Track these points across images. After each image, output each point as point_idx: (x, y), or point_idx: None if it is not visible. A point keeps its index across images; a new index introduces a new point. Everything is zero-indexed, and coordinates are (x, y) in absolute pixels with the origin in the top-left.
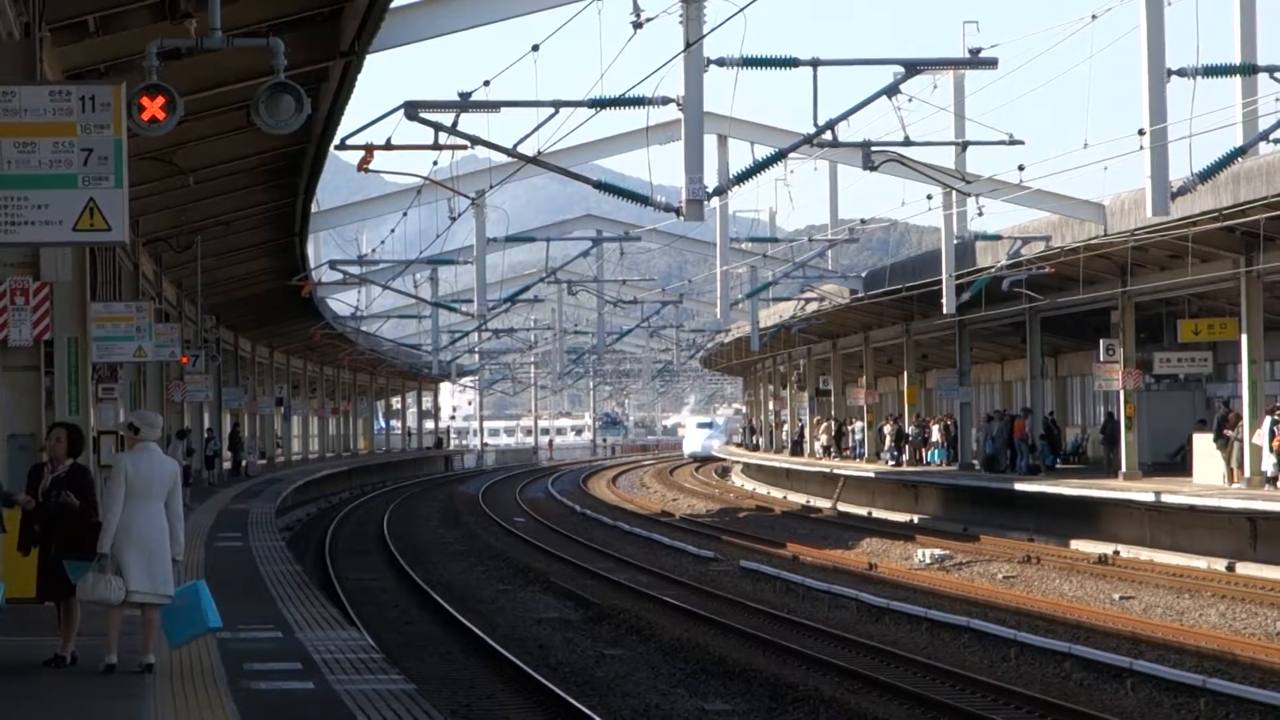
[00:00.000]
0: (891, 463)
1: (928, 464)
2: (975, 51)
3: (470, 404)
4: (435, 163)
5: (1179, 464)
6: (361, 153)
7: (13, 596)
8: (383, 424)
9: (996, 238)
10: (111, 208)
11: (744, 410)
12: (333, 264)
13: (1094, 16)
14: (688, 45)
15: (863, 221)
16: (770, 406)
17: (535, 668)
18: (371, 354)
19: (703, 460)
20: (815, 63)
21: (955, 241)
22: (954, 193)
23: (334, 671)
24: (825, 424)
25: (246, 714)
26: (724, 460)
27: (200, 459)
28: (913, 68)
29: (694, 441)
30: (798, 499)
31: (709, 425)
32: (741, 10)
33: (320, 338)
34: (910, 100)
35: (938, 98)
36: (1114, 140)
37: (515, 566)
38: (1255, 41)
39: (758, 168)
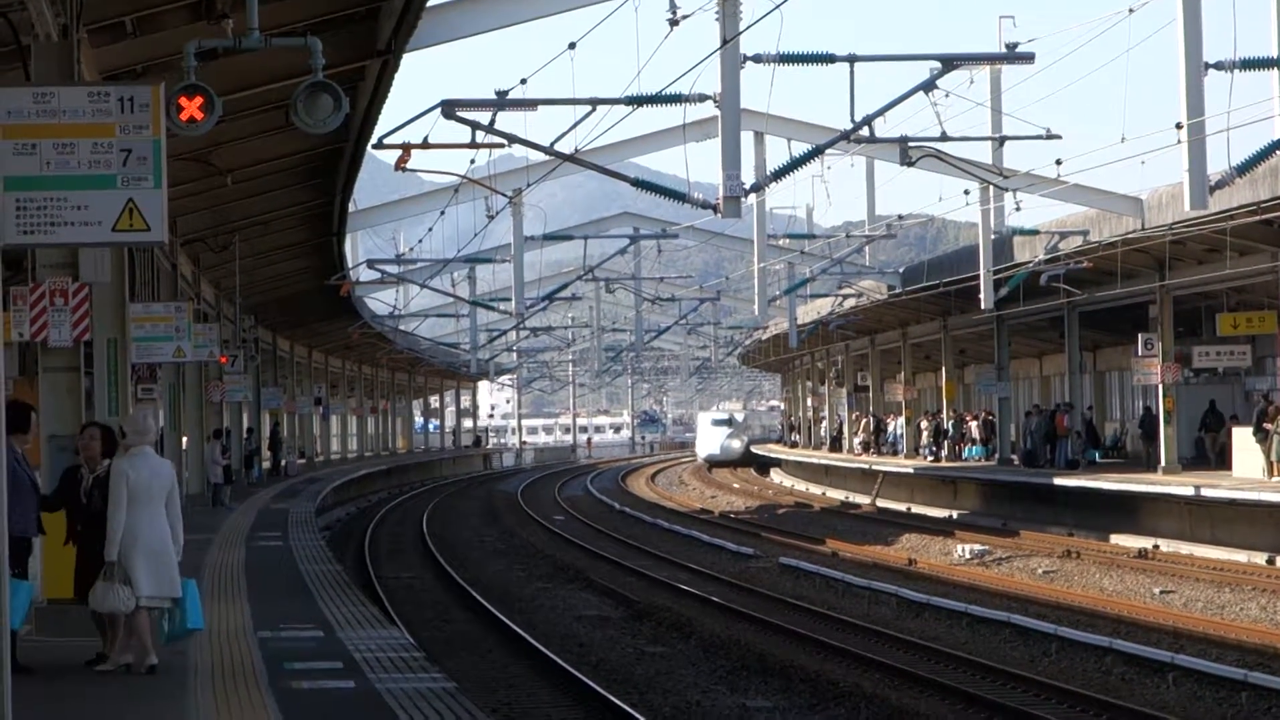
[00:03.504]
0: (930, 458)
1: (966, 459)
2: (1012, 46)
3: (508, 402)
4: (472, 161)
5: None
6: (399, 152)
7: (54, 597)
8: (421, 422)
9: (1034, 232)
10: (150, 208)
11: (782, 405)
12: (371, 263)
13: (1131, 10)
14: (724, 42)
15: (900, 217)
16: (808, 403)
17: (576, 665)
18: (409, 353)
19: (724, 465)
20: (852, 58)
21: (993, 237)
22: (991, 188)
23: (375, 670)
24: (863, 420)
25: (288, 713)
26: (751, 464)
27: (239, 458)
28: (949, 63)
29: (710, 442)
30: (836, 495)
31: (727, 422)
32: (778, 6)
33: (358, 337)
34: (947, 95)
35: (974, 93)
36: (1151, 134)
37: (555, 564)
38: None
39: (795, 164)
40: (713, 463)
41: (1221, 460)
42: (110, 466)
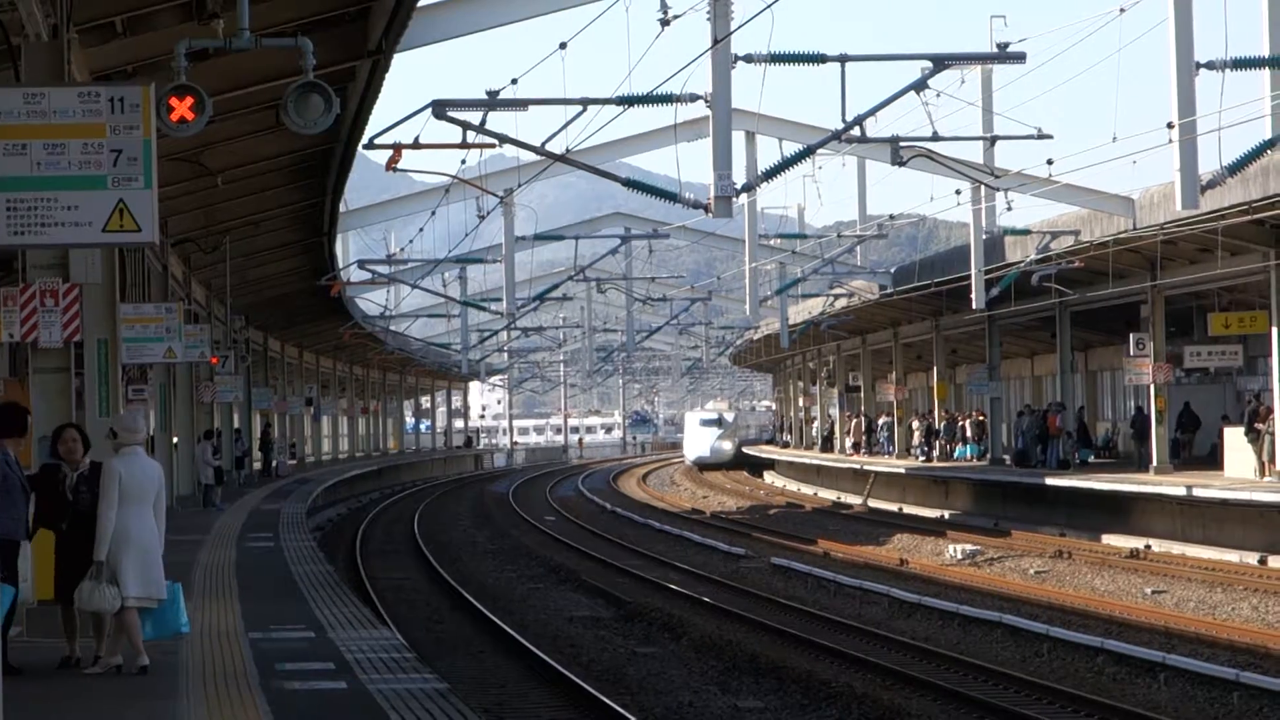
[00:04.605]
0: (922, 458)
1: (958, 459)
2: (1003, 46)
3: (499, 403)
4: (463, 161)
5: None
6: (390, 152)
7: (45, 598)
8: (412, 423)
9: (1025, 232)
10: (141, 208)
11: (771, 405)
12: (361, 263)
13: (1122, 10)
14: (715, 42)
15: (891, 217)
16: (800, 403)
17: (567, 666)
18: (400, 353)
19: (714, 468)
20: (843, 58)
21: (984, 236)
22: (983, 187)
23: (366, 671)
24: (855, 420)
25: (279, 714)
26: (743, 466)
27: (229, 459)
28: (941, 63)
29: (699, 444)
30: (828, 495)
31: (717, 422)
32: (769, 6)
33: (349, 337)
34: (938, 95)
35: (966, 92)
36: (1143, 134)
37: (546, 565)
38: None
39: (786, 164)
40: (702, 466)
41: (1204, 461)
42: (93, 464)
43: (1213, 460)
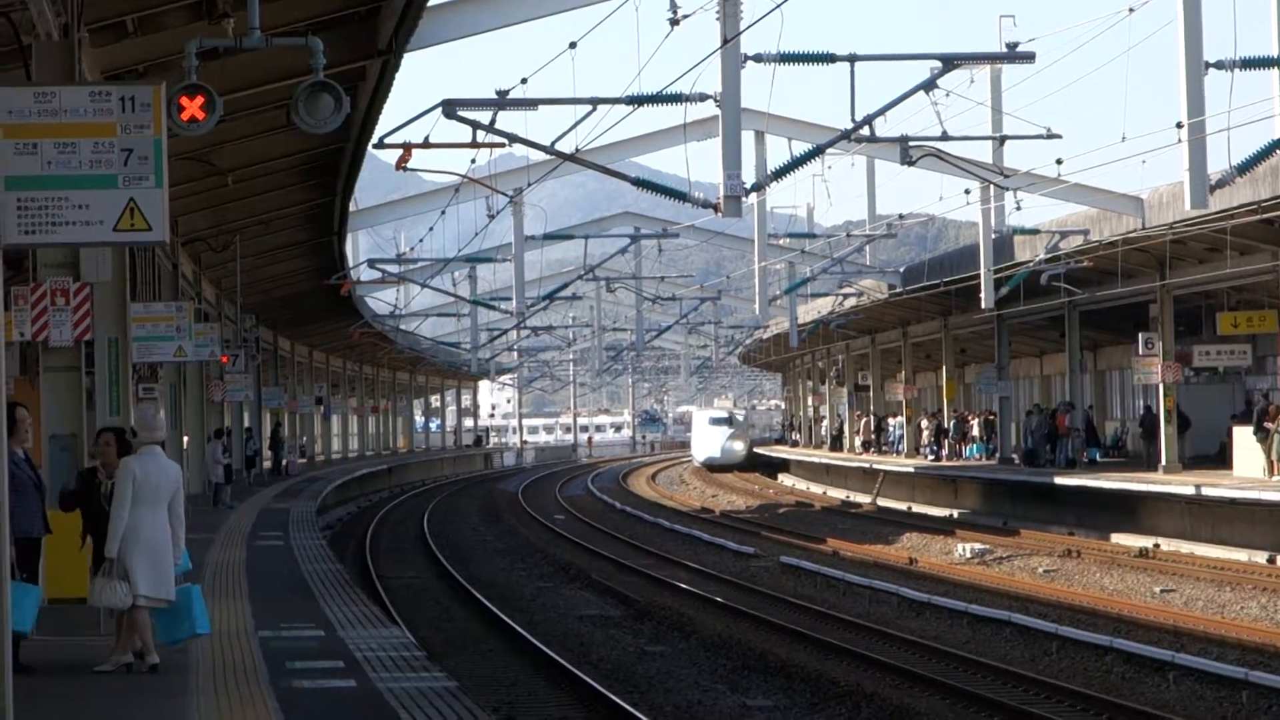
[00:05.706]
0: (931, 457)
1: (967, 459)
2: (1012, 46)
3: (509, 402)
4: (473, 161)
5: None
6: (400, 151)
7: (55, 597)
8: (422, 422)
9: (1035, 232)
10: (152, 208)
11: (781, 404)
12: (371, 263)
13: (1131, 10)
14: (725, 41)
15: (900, 217)
16: (809, 402)
17: (576, 665)
18: (410, 352)
19: (724, 469)
20: (852, 58)
21: (993, 236)
22: (992, 187)
23: (376, 669)
24: (864, 419)
25: (289, 712)
26: (754, 467)
27: (240, 458)
28: (950, 62)
29: (709, 444)
30: (837, 494)
31: (727, 421)
32: (778, 6)
33: (359, 336)
34: (948, 95)
35: (975, 92)
36: (1152, 133)
37: (556, 563)
38: None
39: (795, 163)
40: (712, 467)
41: (1209, 461)
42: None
43: (1221, 459)
